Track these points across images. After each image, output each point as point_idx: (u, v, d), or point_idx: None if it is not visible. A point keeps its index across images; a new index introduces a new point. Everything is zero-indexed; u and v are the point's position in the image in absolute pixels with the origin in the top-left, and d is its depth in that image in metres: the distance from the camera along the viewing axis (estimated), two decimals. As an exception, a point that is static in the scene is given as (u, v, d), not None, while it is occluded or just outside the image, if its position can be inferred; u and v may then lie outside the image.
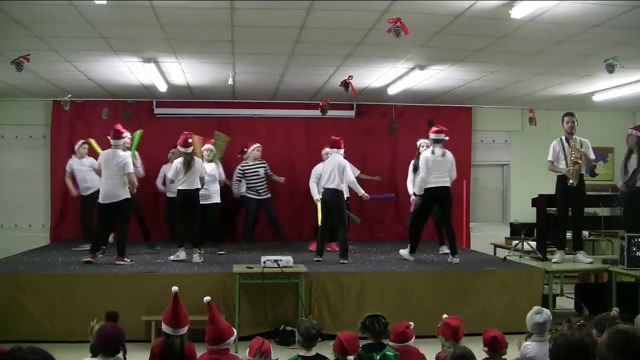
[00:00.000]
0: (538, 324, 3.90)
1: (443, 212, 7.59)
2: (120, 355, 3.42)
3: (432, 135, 7.50)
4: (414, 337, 3.92)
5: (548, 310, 4.05)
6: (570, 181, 7.07)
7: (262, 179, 9.03)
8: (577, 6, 5.30)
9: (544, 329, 3.90)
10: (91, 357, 3.39)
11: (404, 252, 7.60)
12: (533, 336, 3.91)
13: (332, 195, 7.45)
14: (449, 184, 7.46)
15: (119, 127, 7.36)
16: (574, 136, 7.19)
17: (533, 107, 9.86)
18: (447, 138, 7.55)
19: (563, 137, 7.30)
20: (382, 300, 6.42)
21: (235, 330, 3.66)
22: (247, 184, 9.03)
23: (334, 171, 7.44)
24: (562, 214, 7.41)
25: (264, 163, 9.15)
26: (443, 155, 7.43)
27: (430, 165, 7.38)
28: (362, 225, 9.73)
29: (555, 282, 7.59)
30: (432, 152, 7.42)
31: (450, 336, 3.80)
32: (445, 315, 3.96)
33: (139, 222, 8.53)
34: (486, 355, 3.72)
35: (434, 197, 7.46)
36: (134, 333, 5.92)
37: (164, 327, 3.51)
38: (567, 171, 7.10)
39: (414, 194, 8.05)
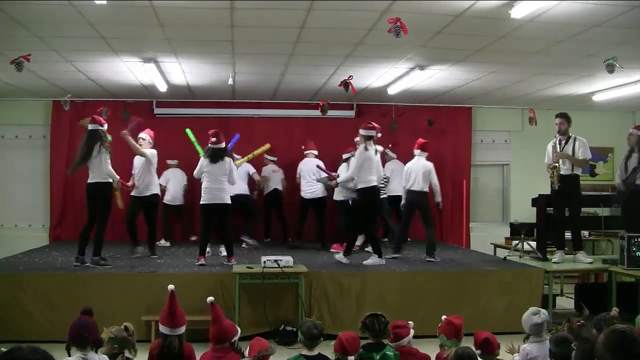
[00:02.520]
0: (537, 324, 3.90)
1: (378, 211, 7.47)
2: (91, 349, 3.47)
3: (362, 132, 7.19)
4: (409, 336, 3.92)
5: (545, 311, 4.05)
6: (552, 184, 7.13)
7: None
8: (577, 6, 5.30)
9: (542, 330, 3.90)
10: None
11: (369, 261, 7.22)
12: (531, 337, 3.91)
13: (417, 197, 7.66)
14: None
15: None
16: (566, 136, 7.17)
17: (533, 107, 9.86)
18: (379, 135, 7.50)
19: (557, 139, 7.31)
20: (382, 300, 6.41)
21: (239, 329, 3.66)
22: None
23: (420, 174, 7.64)
24: (558, 214, 7.41)
25: None
26: (376, 153, 7.27)
27: (365, 164, 7.07)
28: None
29: (555, 282, 7.59)
30: (366, 149, 7.10)
31: (452, 335, 3.79)
32: (444, 317, 3.96)
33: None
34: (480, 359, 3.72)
35: (373, 196, 7.24)
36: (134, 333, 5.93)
37: (161, 328, 3.51)
38: (550, 175, 7.16)
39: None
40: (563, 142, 7.18)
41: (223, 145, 7.14)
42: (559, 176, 7.11)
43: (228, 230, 7.16)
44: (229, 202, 7.11)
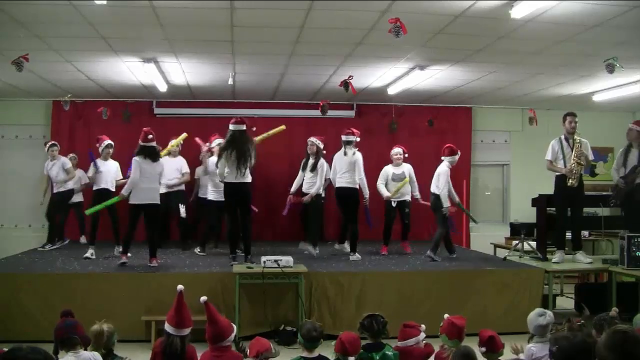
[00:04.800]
0: (541, 326, 3.89)
1: (347, 211, 7.75)
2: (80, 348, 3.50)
3: (343, 137, 7.81)
4: (418, 337, 3.93)
5: (551, 312, 4.05)
6: (571, 181, 7.05)
7: None
8: (577, 6, 5.30)
9: (546, 331, 3.89)
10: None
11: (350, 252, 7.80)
12: (535, 338, 3.91)
13: (435, 200, 7.79)
14: (352, 185, 7.63)
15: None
16: (574, 136, 7.17)
17: (533, 107, 9.86)
18: (357, 139, 7.84)
19: (562, 137, 7.28)
20: (382, 300, 6.42)
21: (235, 327, 3.65)
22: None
23: (436, 177, 7.80)
24: (561, 214, 7.40)
25: None
26: (353, 154, 7.69)
27: (335, 165, 7.83)
28: (361, 225, 9.72)
29: (555, 282, 7.59)
30: (345, 154, 7.71)
31: (455, 335, 3.80)
32: (446, 315, 3.96)
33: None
34: (484, 357, 3.72)
35: (339, 196, 7.79)
36: (134, 333, 5.93)
37: (166, 326, 3.52)
38: (569, 170, 7.07)
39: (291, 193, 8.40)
40: (570, 140, 7.16)
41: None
42: (578, 173, 7.08)
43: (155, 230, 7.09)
44: (159, 202, 7.05)
